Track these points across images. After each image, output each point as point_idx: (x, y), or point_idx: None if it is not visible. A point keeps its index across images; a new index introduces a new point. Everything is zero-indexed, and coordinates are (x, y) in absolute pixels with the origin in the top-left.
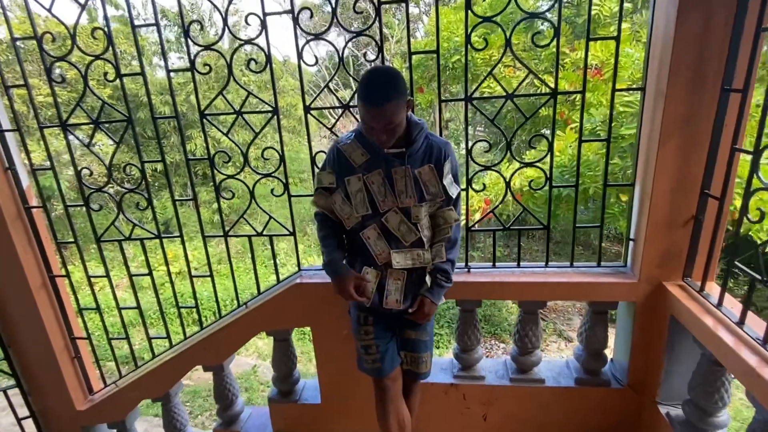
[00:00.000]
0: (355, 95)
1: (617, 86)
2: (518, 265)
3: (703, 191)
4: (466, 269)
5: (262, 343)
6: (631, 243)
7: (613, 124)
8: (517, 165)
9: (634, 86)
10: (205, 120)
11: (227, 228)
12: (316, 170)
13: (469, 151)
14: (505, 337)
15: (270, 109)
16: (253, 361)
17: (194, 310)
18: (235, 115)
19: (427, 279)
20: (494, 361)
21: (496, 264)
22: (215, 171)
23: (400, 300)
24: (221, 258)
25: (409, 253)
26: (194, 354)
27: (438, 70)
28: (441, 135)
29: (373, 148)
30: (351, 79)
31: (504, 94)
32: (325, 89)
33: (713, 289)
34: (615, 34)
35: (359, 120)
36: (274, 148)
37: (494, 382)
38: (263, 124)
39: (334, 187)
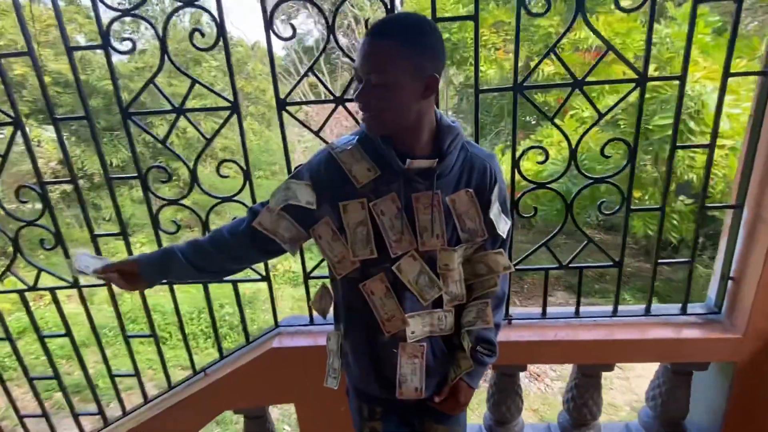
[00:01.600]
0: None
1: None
2: (576, 314)
3: None
4: (507, 320)
5: None
6: (729, 282)
7: (631, 111)
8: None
9: (745, 70)
10: (131, 121)
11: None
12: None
13: (516, 163)
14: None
15: (227, 104)
16: None
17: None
18: (175, 115)
19: (466, 347)
20: (535, 428)
21: (547, 312)
22: (150, 194)
23: (421, 388)
24: None
25: (427, 317)
26: None
27: (476, 44)
28: (477, 142)
29: (387, 160)
30: (323, 63)
31: (571, 80)
32: (295, 75)
33: None
34: (616, 10)
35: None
36: (236, 161)
37: None
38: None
39: (311, 208)
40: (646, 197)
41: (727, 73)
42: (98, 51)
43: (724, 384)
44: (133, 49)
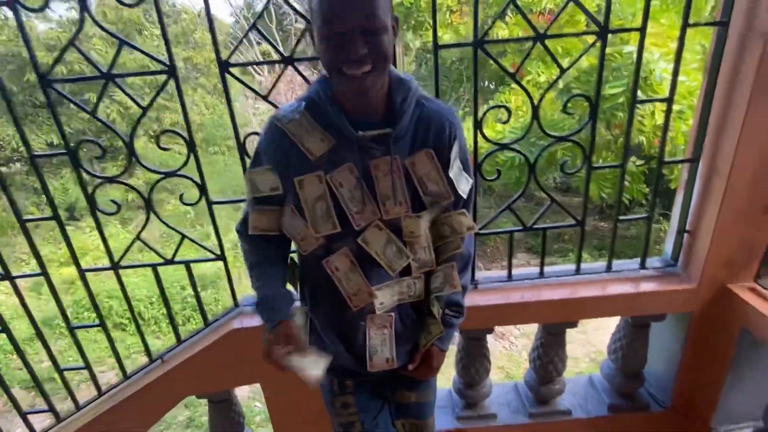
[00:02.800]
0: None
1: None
2: (541, 274)
3: None
4: (473, 285)
5: None
6: (685, 235)
7: (584, 79)
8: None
9: (703, 21)
10: (52, 90)
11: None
12: (248, 161)
13: (479, 123)
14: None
15: (163, 68)
16: None
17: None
18: (103, 81)
19: (435, 313)
20: (503, 388)
21: (513, 275)
22: (82, 172)
23: (392, 357)
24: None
25: (396, 286)
26: None
27: None
28: (438, 96)
29: (339, 128)
30: (275, 29)
31: (533, 34)
32: (246, 42)
33: None
34: None
35: (317, 51)
36: (177, 132)
37: (509, 419)
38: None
39: (280, 194)
40: (600, 161)
41: (686, 24)
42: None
43: (680, 334)
44: (45, 6)
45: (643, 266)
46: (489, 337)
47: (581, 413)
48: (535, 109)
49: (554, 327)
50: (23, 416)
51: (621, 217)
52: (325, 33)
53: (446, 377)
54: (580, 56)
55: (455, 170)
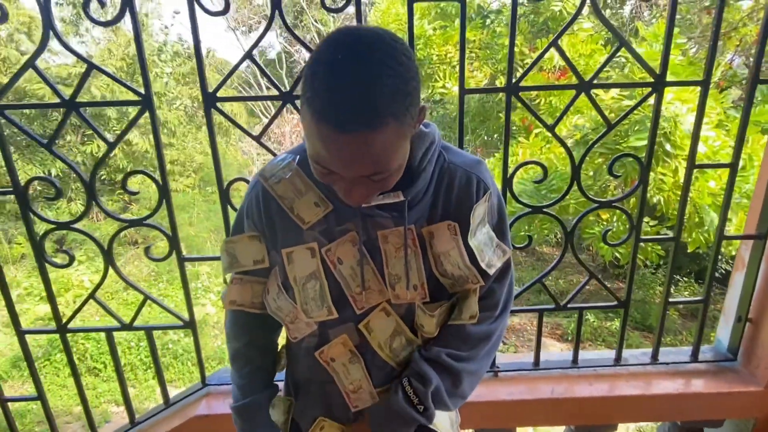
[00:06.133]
0: (299, 87)
1: None
2: (574, 362)
3: None
4: (493, 372)
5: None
6: (747, 325)
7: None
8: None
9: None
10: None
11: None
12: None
13: (508, 180)
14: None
15: (136, 98)
16: None
17: None
18: (65, 110)
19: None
20: None
21: (541, 362)
22: (31, 215)
23: None
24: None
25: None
26: None
27: (462, 36)
28: (461, 148)
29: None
30: (284, 76)
31: (576, 82)
32: (257, 92)
33: None
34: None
35: (309, 151)
36: (148, 173)
37: None
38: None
39: (265, 267)
40: (614, 219)
41: (756, 79)
42: None
43: None
44: (3, 17)
45: (695, 358)
46: None
47: None
48: (577, 169)
49: (588, 430)
50: None
51: (672, 300)
52: (316, 163)
53: None
54: (635, 107)
55: (480, 238)
